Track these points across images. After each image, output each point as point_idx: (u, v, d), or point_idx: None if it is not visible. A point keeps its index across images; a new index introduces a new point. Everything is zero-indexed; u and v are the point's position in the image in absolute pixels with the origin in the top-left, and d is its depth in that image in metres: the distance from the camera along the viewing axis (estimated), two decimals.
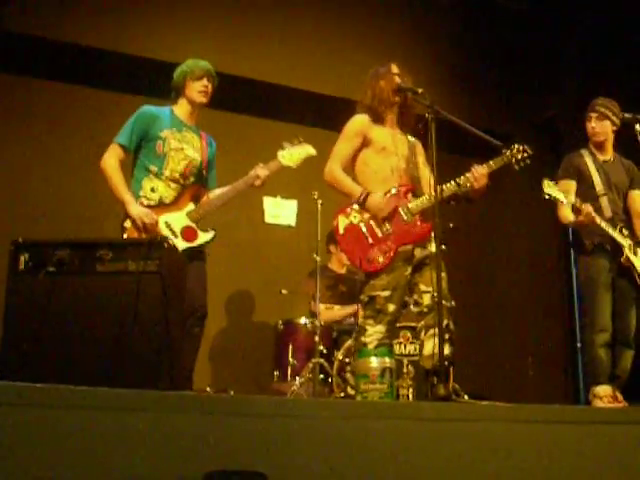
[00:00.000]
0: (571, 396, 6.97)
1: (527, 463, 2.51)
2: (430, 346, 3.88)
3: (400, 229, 4.00)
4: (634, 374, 4.71)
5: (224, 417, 2.21)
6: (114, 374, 3.01)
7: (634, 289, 4.68)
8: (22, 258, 3.30)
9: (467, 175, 4.00)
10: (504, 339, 7.17)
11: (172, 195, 4.17)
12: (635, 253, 4.64)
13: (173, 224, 4.09)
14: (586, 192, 4.72)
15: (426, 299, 3.97)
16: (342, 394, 4.74)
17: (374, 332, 3.94)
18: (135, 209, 4.01)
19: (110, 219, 5.49)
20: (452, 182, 3.99)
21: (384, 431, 2.36)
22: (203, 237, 4.17)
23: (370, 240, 4.00)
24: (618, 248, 4.62)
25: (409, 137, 4.22)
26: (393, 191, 4.05)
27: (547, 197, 4.44)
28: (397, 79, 4.13)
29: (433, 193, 3.63)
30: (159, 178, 4.14)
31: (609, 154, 4.89)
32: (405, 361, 4.88)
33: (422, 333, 3.98)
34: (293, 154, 4.40)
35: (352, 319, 5.55)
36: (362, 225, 4.03)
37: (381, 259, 3.96)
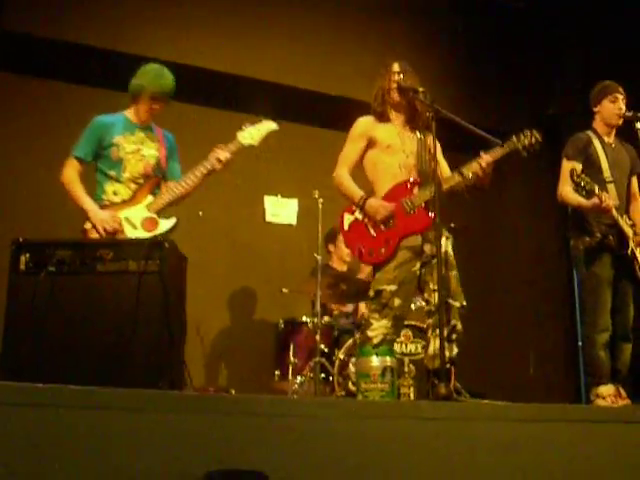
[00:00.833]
0: (572, 394, 6.96)
1: (529, 462, 2.51)
2: (436, 346, 3.88)
3: (402, 221, 4.02)
4: (637, 371, 4.71)
5: (225, 417, 2.21)
6: (115, 374, 3.02)
7: (632, 282, 4.65)
8: (23, 258, 3.31)
9: (472, 163, 4.01)
10: (505, 337, 7.17)
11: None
12: (638, 244, 4.61)
13: (132, 218, 4.09)
14: (593, 177, 4.54)
15: (434, 298, 3.97)
16: (343, 392, 4.74)
17: (379, 326, 3.96)
18: (96, 216, 4.03)
19: None
20: (459, 170, 4.01)
21: (385, 430, 2.36)
22: (164, 225, 4.12)
23: (373, 233, 4.06)
24: (623, 239, 4.57)
25: (418, 133, 4.22)
26: (398, 185, 4.07)
27: (577, 188, 4.39)
28: (397, 78, 4.13)
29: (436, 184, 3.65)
30: (119, 182, 4.18)
31: (612, 137, 4.85)
32: (406, 360, 4.88)
33: (429, 332, 3.99)
34: (252, 132, 4.35)
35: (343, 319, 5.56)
36: (366, 220, 4.09)
37: (383, 250, 4.00)
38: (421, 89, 3.91)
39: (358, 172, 4.25)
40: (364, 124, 4.21)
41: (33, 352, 3.10)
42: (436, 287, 3.95)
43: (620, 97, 4.78)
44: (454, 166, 4.11)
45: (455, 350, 3.97)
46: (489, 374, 6.63)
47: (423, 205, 4.03)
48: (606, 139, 4.81)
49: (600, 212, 4.48)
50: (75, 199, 4.12)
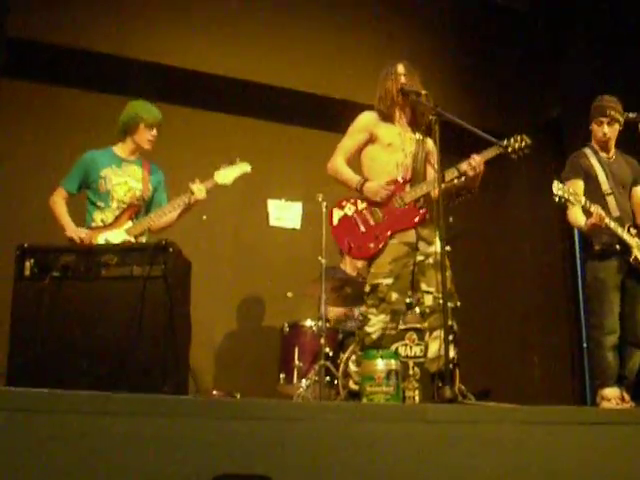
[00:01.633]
0: (578, 397, 6.95)
1: (535, 465, 2.51)
2: (434, 348, 3.89)
3: (392, 216, 4.05)
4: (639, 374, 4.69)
5: (230, 421, 2.21)
6: (120, 378, 3.02)
7: None
8: (28, 263, 3.32)
9: (465, 162, 4.02)
10: (510, 339, 7.16)
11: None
12: None
13: (111, 239, 4.30)
14: (593, 192, 4.66)
15: (427, 300, 3.98)
16: (344, 391, 4.73)
17: (377, 321, 3.97)
18: (70, 229, 4.31)
19: None
20: (451, 169, 4.02)
21: (390, 434, 2.36)
22: None
23: (362, 228, 4.09)
24: (627, 247, 4.59)
25: (418, 135, 4.23)
26: (390, 181, 4.08)
27: (557, 199, 4.41)
28: (402, 79, 4.15)
29: (429, 181, 3.69)
30: (108, 210, 4.43)
31: (612, 151, 4.87)
32: (411, 363, 4.87)
33: (427, 335, 3.98)
34: (228, 172, 4.60)
35: (351, 321, 5.55)
36: (355, 216, 4.13)
37: (372, 245, 4.02)
38: (424, 92, 3.93)
39: (353, 167, 4.26)
40: (368, 119, 4.24)
41: (39, 357, 3.10)
42: (429, 289, 3.97)
43: (605, 120, 4.79)
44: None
45: (454, 350, 3.98)
46: (494, 376, 6.62)
47: (413, 202, 4.05)
48: (603, 154, 4.84)
49: (599, 228, 4.49)
50: (57, 218, 4.43)
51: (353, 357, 4.75)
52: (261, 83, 6.36)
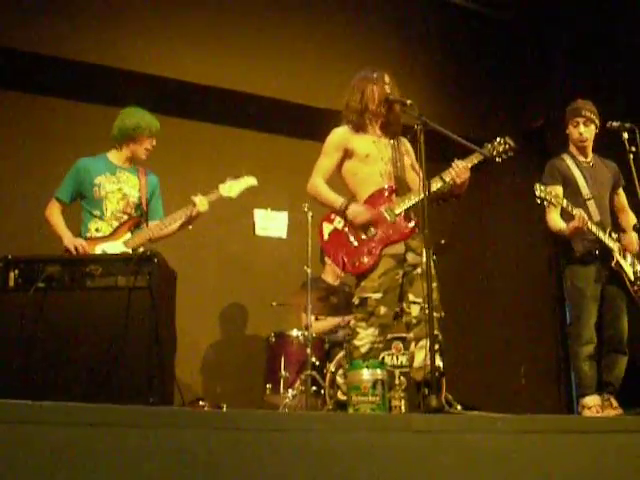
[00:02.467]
0: (564, 406, 6.96)
1: (521, 474, 2.51)
2: (420, 358, 3.88)
3: (384, 229, 4.01)
4: (629, 381, 4.71)
5: (216, 431, 2.20)
6: (105, 390, 3.01)
7: (624, 294, 4.67)
8: (12, 274, 3.30)
9: (449, 170, 4.02)
10: (496, 349, 7.17)
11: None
12: (625, 257, 4.64)
13: (109, 250, 4.26)
14: (572, 197, 4.66)
15: (414, 310, 3.97)
16: (332, 403, 4.72)
17: (366, 335, 3.94)
18: (67, 238, 4.26)
19: None
20: (436, 178, 4.01)
21: (376, 443, 2.35)
22: None
23: (355, 243, 4.02)
24: (607, 253, 4.60)
25: (391, 140, 4.22)
26: (376, 193, 4.06)
27: (539, 201, 4.43)
28: (387, 89, 4.13)
29: (422, 196, 3.67)
30: (102, 220, 4.39)
31: (590, 156, 4.89)
32: (397, 372, 4.87)
33: (412, 345, 3.98)
34: (233, 185, 4.65)
35: (343, 330, 5.53)
36: (346, 229, 4.06)
37: (366, 259, 3.97)
38: (409, 101, 3.92)
39: (338, 183, 4.24)
40: (340, 136, 4.18)
41: (22, 368, 3.08)
42: (416, 299, 3.96)
43: (581, 120, 4.82)
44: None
45: (439, 360, 3.97)
46: (481, 386, 6.63)
47: (403, 214, 4.04)
48: (581, 158, 4.87)
49: (581, 231, 4.51)
50: (53, 228, 4.39)
51: (340, 371, 4.75)
52: (247, 93, 6.37)
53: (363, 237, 4.02)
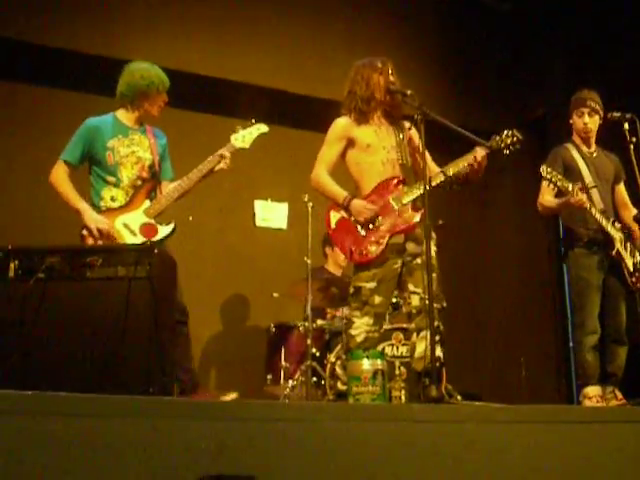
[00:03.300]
0: (564, 396, 6.98)
1: (521, 464, 2.51)
2: (421, 348, 3.88)
3: (391, 218, 4.00)
4: (632, 371, 4.72)
5: (216, 422, 2.20)
6: (105, 380, 3.00)
7: (623, 285, 4.67)
8: (12, 265, 3.29)
9: (469, 155, 4.01)
10: (496, 339, 7.18)
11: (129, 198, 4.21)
12: (625, 247, 4.64)
13: (131, 224, 4.10)
14: (574, 184, 4.63)
15: (415, 300, 3.97)
16: (333, 393, 4.73)
17: (361, 324, 3.96)
18: (90, 218, 4.05)
19: None
20: (442, 171, 4.00)
21: (377, 434, 2.35)
22: (163, 231, 4.16)
23: (362, 232, 4.02)
24: (609, 242, 4.60)
25: (392, 126, 4.21)
26: (383, 183, 4.06)
27: (547, 183, 4.43)
28: (391, 79, 4.13)
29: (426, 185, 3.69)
30: (117, 187, 4.18)
31: (593, 147, 4.89)
32: (397, 363, 4.88)
33: (414, 335, 3.98)
34: (245, 135, 4.43)
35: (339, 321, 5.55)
36: (353, 218, 4.06)
37: (374, 248, 3.97)
38: (409, 92, 3.91)
39: (342, 172, 4.24)
40: (342, 126, 4.18)
41: (22, 359, 3.08)
42: (416, 289, 3.96)
43: (586, 110, 4.82)
44: (442, 165, 4.11)
45: (440, 351, 3.97)
46: (481, 376, 6.65)
47: (410, 204, 4.03)
48: (585, 148, 4.86)
49: (575, 208, 4.50)
50: (66, 200, 4.13)
51: (340, 361, 4.76)
52: (246, 83, 6.36)
53: (370, 227, 4.02)
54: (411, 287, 4.00)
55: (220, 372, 6.17)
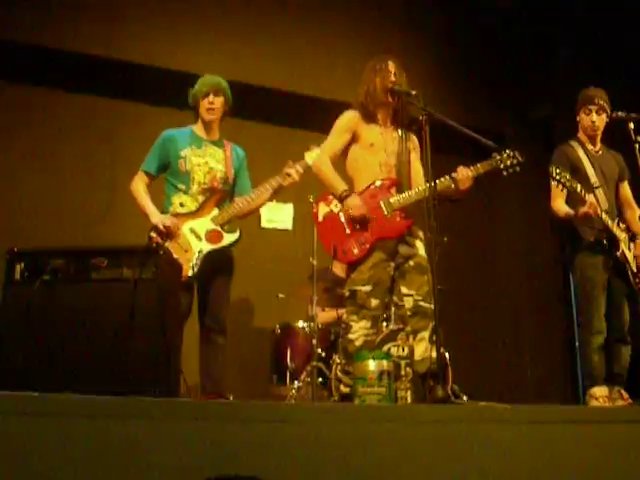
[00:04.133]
0: (570, 396, 6.96)
1: (528, 464, 2.51)
2: (421, 350, 3.89)
3: (378, 222, 4.02)
4: (637, 371, 4.71)
5: (223, 423, 2.20)
6: (111, 382, 3.00)
7: (626, 285, 4.66)
8: (18, 267, 3.30)
9: (452, 175, 4.01)
10: (502, 339, 7.16)
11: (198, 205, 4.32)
12: (629, 248, 4.63)
13: (197, 229, 4.21)
14: (581, 184, 4.58)
15: (408, 303, 3.98)
16: (337, 395, 4.73)
17: (359, 328, 3.98)
18: (155, 216, 4.20)
19: (104, 226, 5.50)
20: (439, 180, 3.99)
21: (383, 434, 2.35)
22: (228, 238, 4.30)
23: (347, 230, 4.04)
24: (614, 242, 4.59)
25: (400, 133, 4.22)
26: (378, 183, 4.08)
27: (556, 184, 4.40)
28: (392, 79, 4.12)
29: (419, 189, 3.82)
30: (187, 194, 4.30)
31: (598, 145, 4.87)
32: (403, 363, 4.87)
33: (411, 338, 3.98)
34: (315, 153, 4.40)
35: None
36: (341, 215, 4.08)
37: (356, 250, 3.99)
38: (414, 92, 3.90)
39: (337, 166, 4.25)
40: (350, 118, 4.21)
41: (29, 361, 3.08)
42: (409, 291, 3.96)
43: (594, 108, 4.78)
44: (448, 166, 4.09)
45: (441, 351, 3.97)
46: (487, 377, 6.63)
47: (399, 210, 4.03)
48: (590, 147, 4.84)
49: (589, 218, 4.48)
50: (141, 206, 4.30)
51: (340, 366, 4.75)
52: (251, 84, 6.34)
53: (357, 227, 4.02)
54: (404, 289, 4.00)
55: (226, 372, 6.16)
